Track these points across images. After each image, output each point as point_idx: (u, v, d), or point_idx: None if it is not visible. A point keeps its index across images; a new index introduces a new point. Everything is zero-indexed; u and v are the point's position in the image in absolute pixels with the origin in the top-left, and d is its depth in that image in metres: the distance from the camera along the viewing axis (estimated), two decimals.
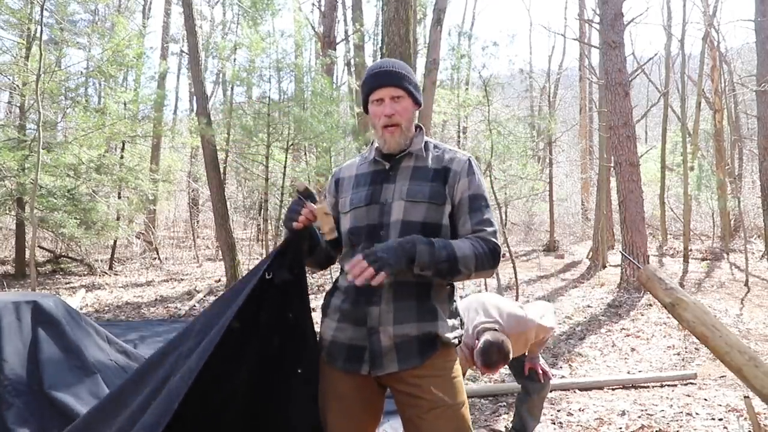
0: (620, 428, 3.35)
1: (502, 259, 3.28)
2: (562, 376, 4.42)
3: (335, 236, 1.59)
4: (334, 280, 1.77)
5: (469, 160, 1.68)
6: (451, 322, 1.63)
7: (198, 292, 8.63)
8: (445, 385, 1.58)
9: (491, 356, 2.50)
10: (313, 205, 1.55)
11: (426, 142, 1.72)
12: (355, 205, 1.67)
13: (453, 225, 1.64)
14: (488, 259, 1.56)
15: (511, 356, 2.56)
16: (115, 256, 12.55)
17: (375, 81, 1.63)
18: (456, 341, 1.63)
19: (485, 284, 7.63)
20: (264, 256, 12.90)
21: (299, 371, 1.62)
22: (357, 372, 1.59)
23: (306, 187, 1.55)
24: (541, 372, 3.04)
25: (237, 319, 1.50)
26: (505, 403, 3.80)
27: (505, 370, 4.57)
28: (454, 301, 1.68)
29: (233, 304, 1.50)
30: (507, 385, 4.10)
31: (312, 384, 1.63)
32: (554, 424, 3.45)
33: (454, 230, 1.64)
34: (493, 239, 1.59)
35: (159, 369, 1.54)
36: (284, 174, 9.21)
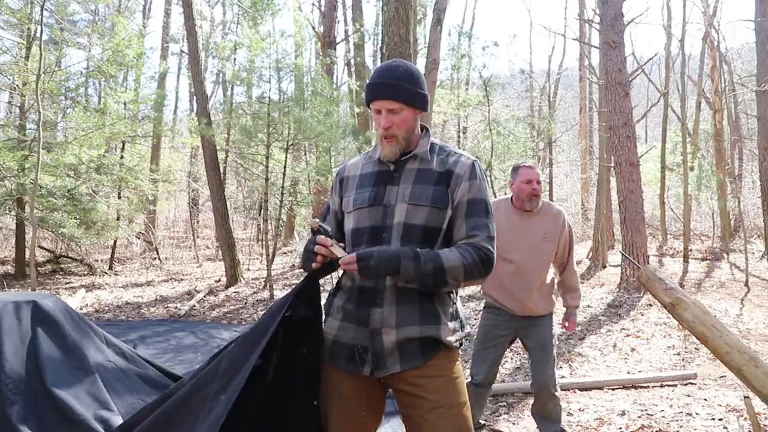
0: (620, 428, 3.35)
1: None
2: (562, 376, 4.42)
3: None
4: (336, 280, 1.77)
5: (473, 163, 1.66)
6: (452, 324, 1.63)
7: (198, 292, 8.63)
8: (447, 385, 1.59)
9: (524, 164, 2.91)
10: (324, 239, 1.54)
11: (432, 144, 1.70)
12: (358, 205, 1.67)
13: (449, 228, 1.63)
14: (478, 267, 1.55)
15: (536, 169, 2.88)
16: (115, 256, 12.56)
17: (372, 92, 1.62)
18: (457, 344, 1.63)
19: None
20: (264, 255, 12.81)
21: (315, 403, 1.64)
22: (359, 372, 1.60)
23: (319, 225, 1.56)
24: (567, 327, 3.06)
25: (261, 357, 1.52)
26: (505, 403, 3.80)
27: (505, 370, 4.57)
28: (455, 303, 1.69)
29: (257, 347, 1.50)
30: (507, 385, 4.10)
31: None
32: None
33: (450, 233, 1.63)
34: (486, 246, 1.58)
35: (183, 408, 1.54)
36: (284, 174, 9.21)
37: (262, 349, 1.49)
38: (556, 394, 2.93)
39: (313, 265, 1.57)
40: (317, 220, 1.57)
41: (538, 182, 2.86)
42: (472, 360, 3.02)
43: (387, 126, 1.61)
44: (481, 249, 1.57)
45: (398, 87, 1.59)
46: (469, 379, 2.99)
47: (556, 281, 3.09)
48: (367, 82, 1.66)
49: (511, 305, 2.91)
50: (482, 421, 3.38)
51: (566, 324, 3.08)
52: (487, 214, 1.63)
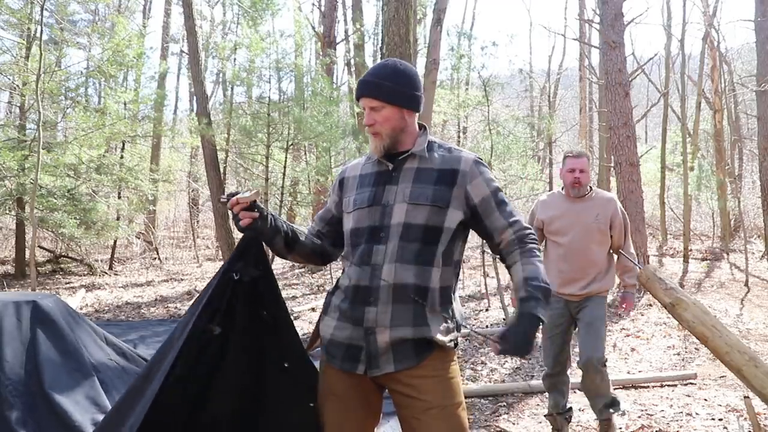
0: (620, 428, 3.35)
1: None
2: None
3: (257, 195, 1.63)
4: (336, 279, 1.77)
5: (476, 159, 1.68)
6: (447, 324, 1.62)
7: (198, 292, 8.62)
8: (442, 385, 1.58)
9: (571, 153, 3.07)
10: (232, 199, 1.59)
11: (430, 143, 1.70)
12: (357, 205, 1.67)
13: (480, 222, 1.66)
14: (539, 250, 1.67)
15: (589, 157, 3.00)
16: (115, 256, 12.56)
17: (357, 90, 1.67)
18: (452, 344, 1.62)
19: (485, 284, 7.63)
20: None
21: (286, 365, 1.64)
22: (353, 371, 1.60)
23: (223, 196, 1.63)
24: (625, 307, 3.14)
25: (216, 324, 1.55)
26: (505, 403, 3.80)
27: (505, 370, 4.57)
28: (453, 302, 1.68)
29: (197, 310, 1.56)
30: (507, 385, 4.10)
31: (302, 375, 1.66)
32: None
33: (483, 228, 1.66)
34: (528, 229, 1.66)
35: (147, 383, 1.59)
36: (284, 174, 9.22)
37: (200, 312, 1.53)
38: (602, 369, 2.96)
39: (241, 223, 1.60)
40: (220, 197, 1.63)
41: (581, 171, 3.00)
42: (542, 352, 3.19)
43: (369, 123, 1.66)
44: (530, 236, 1.65)
45: (380, 85, 1.62)
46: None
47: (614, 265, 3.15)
48: None
49: (565, 289, 3.02)
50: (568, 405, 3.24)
51: (623, 305, 3.19)
52: (507, 201, 1.70)
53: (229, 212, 1.66)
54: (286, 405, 1.64)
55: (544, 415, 3.28)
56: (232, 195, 1.59)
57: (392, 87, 1.62)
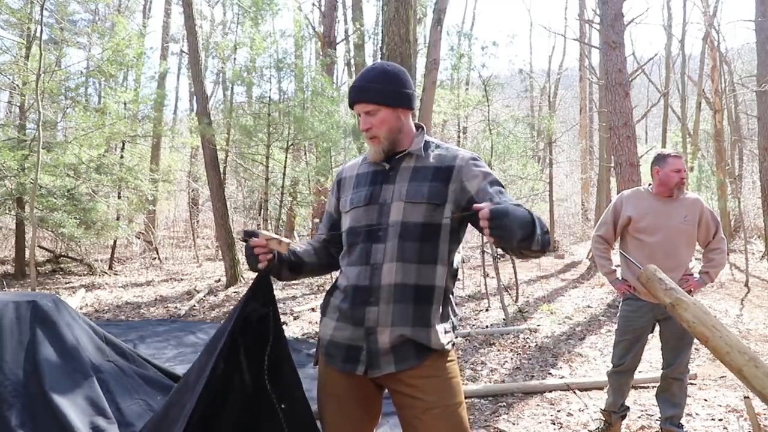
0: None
1: (501, 259, 3.29)
2: (562, 377, 4.42)
3: (288, 247, 1.60)
4: (334, 280, 1.77)
5: (472, 156, 1.67)
6: (444, 326, 1.62)
7: (198, 292, 8.62)
8: (442, 385, 1.57)
9: (671, 153, 3.01)
10: (257, 240, 1.57)
11: (427, 142, 1.70)
12: (354, 204, 1.67)
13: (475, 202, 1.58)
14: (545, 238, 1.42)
15: (683, 159, 2.97)
16: (115, 256, 12.55)
17: (349, 97, 1.67)
18: (449, 347, 1.62)
19: (485, 284, 7.63)
20: None
21: (283, 406, 1.63)
22: (353, 372, 1.59)
23: (244, 231, 1.60)
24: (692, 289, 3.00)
25: (222, 360, 1.54)
26: (505, 403, 3.80)
27: (505, 370, 4.57)
28: (451, 302, 1.68)
29: (215, 353, 1.53)
30: (507, 385, 4.10)
31: (299, 417, 1.64)
32: (554, 424, 3.45)
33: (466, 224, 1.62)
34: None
35: (166, 421, 1.58)
36: (284, 174, 9.22)
37: (219, 352, 1.51)
38: (683, 379, 2.97)
39: (260, 266, 1.59)
40: (242, 231, 1.62)
41: (684, 171, 3.00)
42: (613, 348, 3.20)
43: (365, 128, 1.65)
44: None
45: (370, 89, 1.62)
46: (610, 367, 3.19)
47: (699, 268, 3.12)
48: None
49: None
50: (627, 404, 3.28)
51: (688, 283, 2.97)
52: (504, 191, 1.61)
53: (244, 249, 1.64)
54: None
55: (600, 410, 3.32)
56: (252, 234, 1.57)
57: (382, 88, 1.62)
